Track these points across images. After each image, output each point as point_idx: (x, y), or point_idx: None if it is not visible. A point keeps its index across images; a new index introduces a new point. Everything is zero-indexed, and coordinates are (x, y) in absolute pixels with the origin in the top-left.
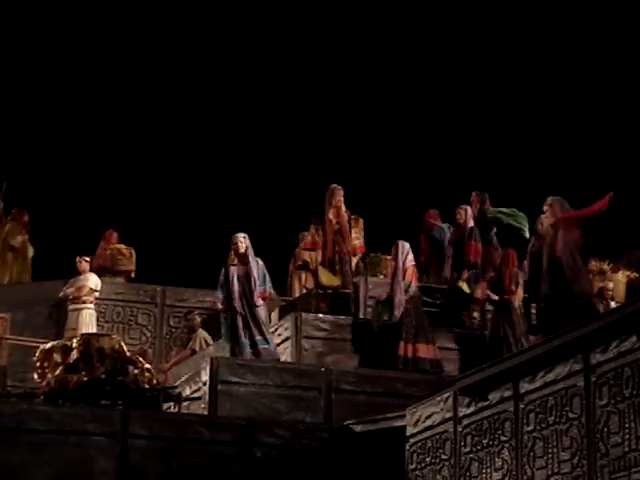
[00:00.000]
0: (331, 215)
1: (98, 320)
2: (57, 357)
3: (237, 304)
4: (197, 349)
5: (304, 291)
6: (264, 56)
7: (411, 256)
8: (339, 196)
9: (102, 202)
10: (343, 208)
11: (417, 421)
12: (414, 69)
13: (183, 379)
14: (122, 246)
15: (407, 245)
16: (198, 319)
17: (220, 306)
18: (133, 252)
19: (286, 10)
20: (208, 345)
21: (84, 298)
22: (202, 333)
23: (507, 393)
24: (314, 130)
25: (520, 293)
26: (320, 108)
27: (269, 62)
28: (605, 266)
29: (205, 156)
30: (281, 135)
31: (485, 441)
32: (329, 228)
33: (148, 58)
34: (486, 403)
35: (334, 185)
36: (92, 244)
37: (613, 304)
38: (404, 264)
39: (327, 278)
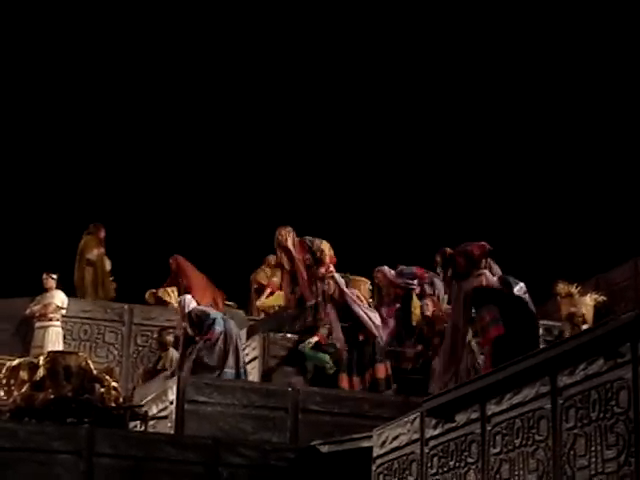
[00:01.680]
0: (282, 259)
1: (65, 338)
2: (23, 374)
3: None
4: (168, 368)
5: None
6: (236, 82)
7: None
8: (283, 238)
9: (71, 218)
10: (291, 249)
11: (384, 442)
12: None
13: (150, 398)
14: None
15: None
16: (171, 338)
17: None
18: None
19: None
20: None
21: (50, 315)
22: (172, 352)
23: (474, 415)
24: (283, 154)
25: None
26: (293, 132)
27: (241, 88)
28: (573, 289)
29: (170, 175)
30: (247, 159)
31: (452, 463)
32: (284, 272)
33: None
34: (453, 425)
35: (279, 228)
36: (59, 260)
37: (585, 327)
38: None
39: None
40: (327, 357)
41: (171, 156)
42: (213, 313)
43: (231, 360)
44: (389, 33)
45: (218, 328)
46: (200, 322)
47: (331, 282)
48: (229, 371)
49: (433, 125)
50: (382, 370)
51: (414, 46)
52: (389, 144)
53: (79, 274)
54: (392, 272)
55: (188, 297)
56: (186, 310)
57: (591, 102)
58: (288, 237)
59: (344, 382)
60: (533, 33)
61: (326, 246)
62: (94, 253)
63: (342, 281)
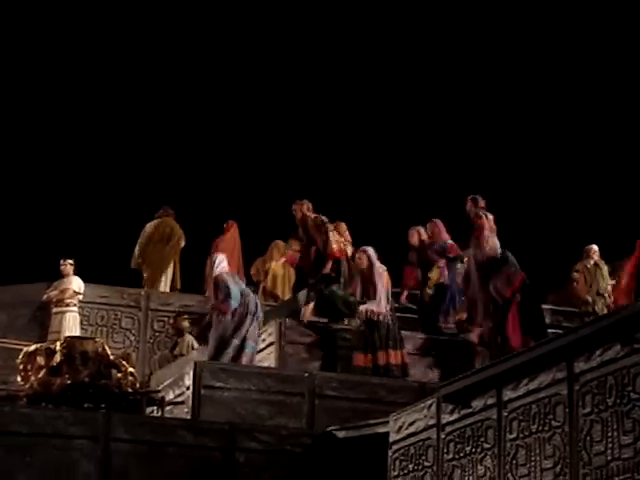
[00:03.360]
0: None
1: (82, 323)
2: (40, 360)
3: None
4: (185, 353)
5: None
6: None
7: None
8: (295, 212)
9: (86, 203)
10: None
11: (400, 428)
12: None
13: (166, 383)
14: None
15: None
16: (187, 323)
17: None
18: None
19: (275, 18)
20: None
21: (67, 301)
22: (189, 337)
23: (490, 401)
24: (300, 138)
25: None
26: (303, 114)
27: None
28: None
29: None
30: (262, 142)
31: (468, 448)
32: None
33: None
34: (469, 410)
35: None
36: (75, 246)
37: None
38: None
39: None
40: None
41: (180, 143)
42: (234, 287)
43: (253, 333)
44: (390, 26)
45: (234, 303)
46: (219, 290)
47: (364, 256)
48: (252, 344)
49: (452, 107)
50: (394, 357)
51: (416, 34)
52: (408, 131)
53: (168, 257)
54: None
55: (220, 256)
56: (215, 271)
57: (600, 96)
58: (299, 210)
59: (359, 360)
60: (532, 18)
61: (336, 237)
62: (183, 240)
63: (374, 256)
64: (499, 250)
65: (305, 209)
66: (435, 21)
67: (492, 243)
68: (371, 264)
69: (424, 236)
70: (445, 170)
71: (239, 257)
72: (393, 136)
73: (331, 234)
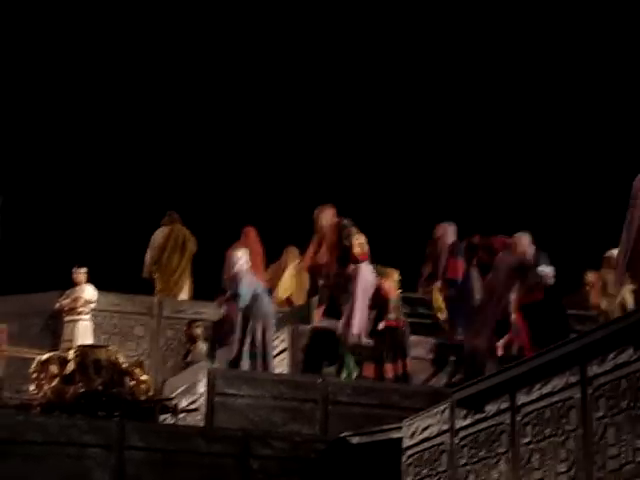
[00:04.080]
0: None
1: (95, 331)
2: (54, 368)
3: None
4: (197, 360)
5: None
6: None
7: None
8: (315, 217)
9: (99, 212)
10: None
11: (414, 433)
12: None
13: (180, 390)
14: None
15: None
16: (200, 331)
17: None
18: None
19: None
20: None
21: (80, 309)
22: (201, 345)
23: (504, 405)
24: (313, 145)
25: None
26: (311, 115)
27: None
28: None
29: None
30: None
31: (482, 453)
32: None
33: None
34: (483, 415)
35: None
36: (88, 255)
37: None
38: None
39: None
40: (352, 364)
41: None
42: (245, 288)
43: (248, 339)
44: (392, 30)
45: (241, 304)
46: (230, 287)
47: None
48: (246, 351)
49: (468, 112)
50: (401, 366)
51: (419, 40)
52: (421, 138)
53: (179, 266)
54: (451, 238)
55: (240, 253)
56: (233, 268)
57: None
58: (320, 217)
59: (369, 371)
60: (532, 24)
61: (359, 239)
62: (195, 247)
63: (363, 271)
64: (530, 249)
65: (328, 217)
66: (438, 37)
67: (520, 243)
68: (356, 282)
69: (452, 236)
70: (459, 172)
71: (261, 264)
72: (409, 140)
73: (353, 238)
